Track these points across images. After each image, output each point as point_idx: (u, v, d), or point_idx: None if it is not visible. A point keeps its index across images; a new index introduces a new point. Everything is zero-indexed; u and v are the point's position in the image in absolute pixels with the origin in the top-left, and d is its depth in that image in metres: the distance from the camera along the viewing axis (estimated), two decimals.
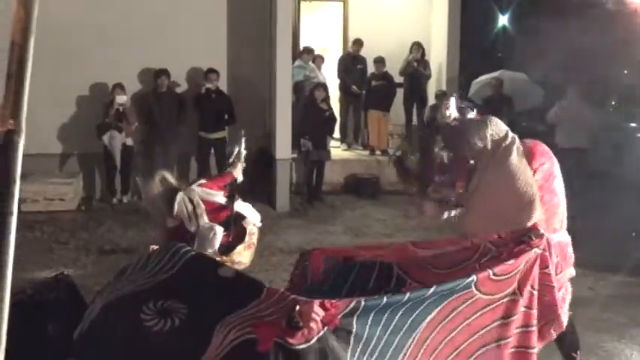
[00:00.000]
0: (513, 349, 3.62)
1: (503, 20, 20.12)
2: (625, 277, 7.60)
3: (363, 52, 13.58)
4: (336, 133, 13.38)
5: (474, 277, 3.37)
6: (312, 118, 11.86)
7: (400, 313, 3.13)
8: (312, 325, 2.81)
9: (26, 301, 3.21)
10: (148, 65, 11.73)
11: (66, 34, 10.72)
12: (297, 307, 2.84)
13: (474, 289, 3.37)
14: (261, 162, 11.79)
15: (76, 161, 11.82)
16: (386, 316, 3.07)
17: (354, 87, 13.43)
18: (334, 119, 12.53)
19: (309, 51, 13.29)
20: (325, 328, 2.85)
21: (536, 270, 3.68)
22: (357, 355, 2.95)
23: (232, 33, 12.16)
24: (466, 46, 14.04)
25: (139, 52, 11.57)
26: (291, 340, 2.77)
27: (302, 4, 14.17)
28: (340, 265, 3.97)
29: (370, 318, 3.02)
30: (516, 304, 3.58)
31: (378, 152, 13.24)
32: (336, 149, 13.23)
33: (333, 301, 2.95)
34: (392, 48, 13.56)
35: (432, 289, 3.22)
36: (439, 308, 3.26)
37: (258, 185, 11.41)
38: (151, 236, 9.37)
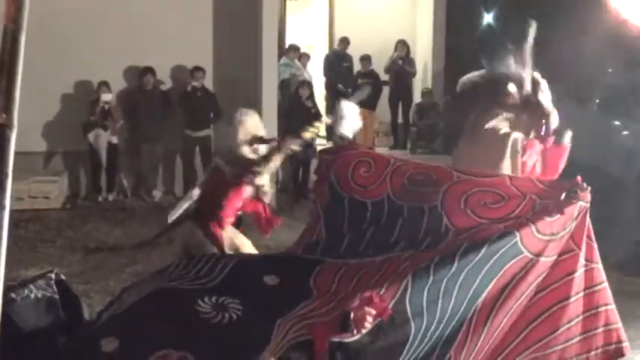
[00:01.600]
0: (581, 316, 3.43)
1: (488, 18, 20.20)
2: (612, 273, 7.57)
3: (348, 50, 13.59)
4: (322, 131, 13.37)
5: (517, 235, 3.21)
6: (297, 116, 11.85)
7: (457, 285, 3.05)
8: (367, 325, 2.83)
9: (17, 300, 3.17)
10: (133, 63, 11.68)
11: (51, 32, 10.64)
12: (352, 315, 2.83)
13: (522, 248, 3.21)
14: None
15: (61, 159, 11.75)
16: (441, 291, 3.01)
17: (339, 86, 13.43)
18: (319, 117, 12.52)
19: (294, 49, 13.29)
20: (379, 320, 2.85)
21: (588, 222, 3.48)
22: (420, 334, 2.92)
23: (218, 31, 12.13)
24: (451, 44, 14.07)
25: (124, 50, 11.51)
26: (347, 338, 2.81)
27: (288, 2, 14.15)
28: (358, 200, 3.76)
29: (424, 297, 2.97)
30: (576, 259, 3.38)
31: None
32: (322, 147, 13.21)
33: (380, 294, 2.91)
34: (377, 46, 13.57)
35: (481, 253, 3.11)
36: (497, 277, 3.14)
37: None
38: (136, 234, 9.37)
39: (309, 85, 12.38)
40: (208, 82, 11.92)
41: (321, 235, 3.78)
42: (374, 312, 2.85)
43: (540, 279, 3.27)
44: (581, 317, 3.41)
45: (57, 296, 3.29)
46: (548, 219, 3.31)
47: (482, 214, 3.42)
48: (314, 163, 11.94)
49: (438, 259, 3.11)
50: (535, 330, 3.30)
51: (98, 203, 11.25)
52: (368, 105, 13.36)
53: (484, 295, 3.11)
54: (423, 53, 14.10)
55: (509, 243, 3.17)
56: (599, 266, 3.52)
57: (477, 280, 3.09)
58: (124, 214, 10.42)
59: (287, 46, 13.43)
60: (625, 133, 11.80)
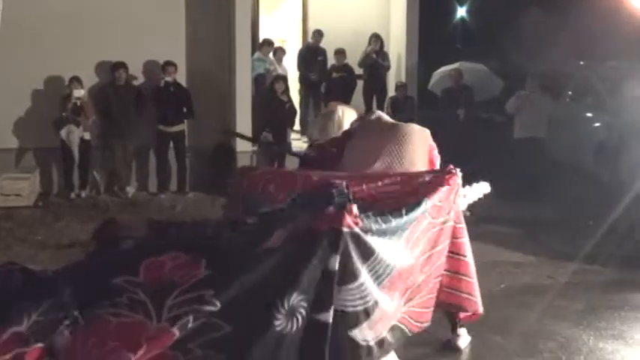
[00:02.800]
0: (447, 273, 4.57)
1: (461, 12, 20.29)
2: (583, 265, 7.71)
3: (322, 44, 13.56)
4: (297, 126, 13.37)
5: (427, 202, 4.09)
6: (272, 111, 11.84)
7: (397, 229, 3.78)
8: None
9: None
10: (105, 58, 11.56)
11: (21, 26, 10.52)
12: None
13: (427, 213, 4.10)
14: (222, 155, 11.75)
15: (33, 156, 11.62)
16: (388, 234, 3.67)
17: (311, 75, 13.42)
18: (294, 111, 12.52)
19: (269, 43, 13.24)
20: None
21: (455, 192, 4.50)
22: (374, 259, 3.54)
23: (191, 25, 12.05)
24: (425, 37, 14.10)
25: (96, 44, 11.41)
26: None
27: None
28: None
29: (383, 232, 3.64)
30: (445, 231, 4.39)
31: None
32: (297, 141, 13.20)
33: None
34: (351, 40, 13.56)
35: (422, 207, 4.00)
36: (411, 227, 3.90)
37: (218, 178, 11.36)
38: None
39: (284, 79, 12.36)
40: (181, 77, 11.85)
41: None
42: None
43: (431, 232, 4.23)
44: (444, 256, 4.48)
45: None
46: (440, 190, 4.28)
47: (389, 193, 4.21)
48: (289, 158, 11.97)
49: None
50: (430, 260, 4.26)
51: (71, 200, 11.15)
52: (343, 98, 13.37)
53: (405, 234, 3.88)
54: (397, 47, 14.11)
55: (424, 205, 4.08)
56: (462, 226, 4.66)
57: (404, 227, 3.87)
58: (96, 211, 10.32)
59: (261, 41, 13.38)
60: (597, 125, 11.90)
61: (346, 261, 3.29)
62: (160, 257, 3.09)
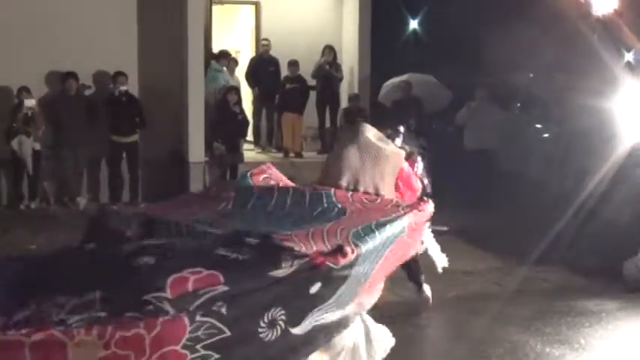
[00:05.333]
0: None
1: (413, 24, 20.50)
2: (530, 272, 7.87)
3: (275, 55, 13.61)
4: (249, 136, 13.38)
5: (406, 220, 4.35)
6: (225, 122, 11.84)
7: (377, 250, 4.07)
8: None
9: None
10: (54, 68, 11.47)
11: None
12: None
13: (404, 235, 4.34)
14: (174, 165, 11.72)
15: None
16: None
17: (255, 90, 13.51)
18: (247, 122, 12.56)
19: (225, 55, 13.25)
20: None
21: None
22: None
23: (143, 35, 12.02)
24: (377, 49, 14.23)
25: (45, 53, 11.30)
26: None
27: (214, 6, 14.09)
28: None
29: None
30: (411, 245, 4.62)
31: (292, 154, 13.28)
32: (250, 152, 13.22)
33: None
34: (304, 51, 13.63)
35: (399, 225, 4.24)
36: (390, 248, 4.18)
37: (171, 188, 11.31)
38: (60, 242, 9.17)
39: (236, 90, 12.37)
40: (134, 87, 11.79)
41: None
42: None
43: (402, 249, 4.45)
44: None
45: None
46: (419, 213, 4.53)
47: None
48: (242, 168, 11.98)
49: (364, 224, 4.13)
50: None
51: (20, 211, 11.02)
52: (296, 109, 13.44)
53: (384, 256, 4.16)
54: (349, 58, 14.23)
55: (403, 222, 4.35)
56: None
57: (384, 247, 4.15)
58: (47, 222, 10.20)
59: (217, 52, 13.36)
60: (545, 135, 12.14)
61: (327, 285, 3.76)
62: (182, 273, 3.40)
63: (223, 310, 3.40)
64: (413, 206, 4.59)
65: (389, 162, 4.97)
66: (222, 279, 3.45)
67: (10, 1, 11.26)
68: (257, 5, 14.61)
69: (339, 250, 3.80)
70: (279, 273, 3.58)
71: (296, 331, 3.68)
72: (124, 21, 11.86)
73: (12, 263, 3.76)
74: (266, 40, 13.71)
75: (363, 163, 4.88)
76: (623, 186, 9.29)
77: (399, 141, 5.79)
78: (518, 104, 13.37)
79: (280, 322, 3.59)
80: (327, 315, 3.84)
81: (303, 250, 3.73)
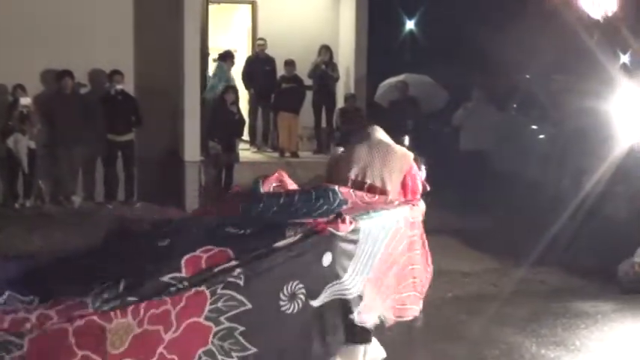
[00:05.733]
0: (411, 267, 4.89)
1: (410, 25, 20.51)
2: (527, 273, 7.87)
3: (271, 54, 13.58)
4: (245, 135, 13.36)
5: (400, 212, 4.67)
6: (221, 121, 11.81)
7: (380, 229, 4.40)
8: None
9: None
10: (50, 66, 11.42)
11: None
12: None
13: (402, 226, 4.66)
14: (170, 164, 11.69)
15: None
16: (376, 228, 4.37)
17: (251, 90, 13.53)
18: (243, 122, 12.53)
19: (231, 56, 13.28)
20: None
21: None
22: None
23: (139, 34, 11.97)
24: (374, 49, 14.22)
25: (40, 51, 11.23)
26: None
27: (210, 6, 14.06)
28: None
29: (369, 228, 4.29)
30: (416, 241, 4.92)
31: (287, 154, 13.26)
32: (245, 151, 13.18)
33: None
34: (300, 50, 13.59)
35: (394, 214, 4.59)
36: (392, 232, 4.50)
37: (167, 187, 11.29)
38: (55, 241, 9.15)
39: (234, 90, 12.33)
40: (130, 85, 11.75)
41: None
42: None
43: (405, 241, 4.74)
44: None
45: None
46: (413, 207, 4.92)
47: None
48: (237, 168, 11.97)
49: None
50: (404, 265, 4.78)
51: (15, 210, 10.97)
52: (292, 109, 13.41)
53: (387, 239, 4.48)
54: (346, 58, 14.20)
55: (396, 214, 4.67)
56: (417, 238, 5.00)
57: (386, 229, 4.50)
58: (42, 221, 10.16)
59: (224, 52, 13.39)
60: (541, 136, 12.14)
61: (337, 258, 4.04)
62: (195, 252, 3.68)
63: (241, 283, 3.65)
64: (407, 201, 4.99)
65: (398, 160, 5.18)
66: (232, 254, 3.71)
67: (6, 1, 11.19)
68: (253, 4, 14.57)
69: (338, 217, 4.09)
70: (286, 242, 3.85)
71: (315, 303, 3.93)
72: (120, 19, 11.81)
73: (39, 260, 4.07)
74: (261, 39, 13.68)
75: (373, 158, 5.13)
76: (621, 186, 9.32)
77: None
78: (515, 105, 13.38)
79: (300, 296, 3.84)
80: (352, 289, 4.13)
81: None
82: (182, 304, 3.51)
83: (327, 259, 3.98)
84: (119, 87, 11.44)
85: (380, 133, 5.38)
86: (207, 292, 3.58)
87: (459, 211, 10.37)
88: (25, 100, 10.88)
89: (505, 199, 10.63)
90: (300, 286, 3.84)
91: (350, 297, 4.14)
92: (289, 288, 3.80)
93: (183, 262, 3.63)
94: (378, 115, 13.76)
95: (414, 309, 4.94)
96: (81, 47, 11.41)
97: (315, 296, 3.93)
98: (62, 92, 11.32)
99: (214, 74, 13.13)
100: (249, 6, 14.67)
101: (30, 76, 11.26)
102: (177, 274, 3.59)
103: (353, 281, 4.17)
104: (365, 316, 4.30)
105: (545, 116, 12.23)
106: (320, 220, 4.14)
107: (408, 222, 4.78)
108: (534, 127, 12.43)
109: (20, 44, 11.12)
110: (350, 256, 4.14)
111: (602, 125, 9.98)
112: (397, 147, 5.30)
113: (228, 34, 15.68)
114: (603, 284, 7.57)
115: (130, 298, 3.44)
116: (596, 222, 8.72)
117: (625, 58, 13.23)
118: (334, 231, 4.02)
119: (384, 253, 4.45)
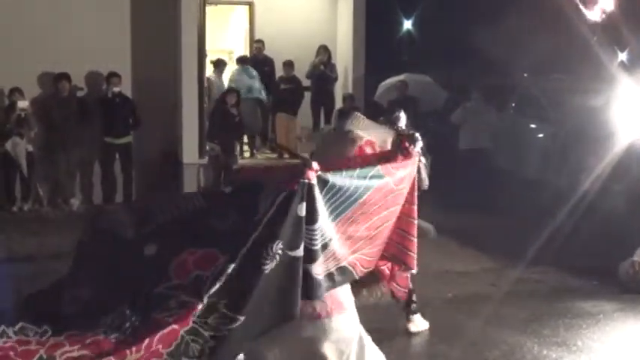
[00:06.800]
0: (399, 231, 4.65)
1: (407, 25, 20.49)
2: (526, 273, 7.83)
3: (269, 55, 13.56)
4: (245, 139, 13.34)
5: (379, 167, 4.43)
6: (221, 123, 11.77)
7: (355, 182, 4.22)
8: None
9: None
10: (46, 69, 11.39)
11: None
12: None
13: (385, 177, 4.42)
14: (168, 166, 11.66)
15: None
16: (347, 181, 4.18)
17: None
18: (243, 124, 12.49)
19: (246, 60, 13.35)
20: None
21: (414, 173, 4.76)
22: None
23: (136, 36, 11.95)
24: (372, 49, 14.20)
25: (37, 54, 11.21)
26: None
27: (207, 7, 14.03)
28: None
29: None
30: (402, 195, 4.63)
31: (286, 155, 13.23)
32: (244, 152, 13.16)
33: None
34: (298, 51, 13.57)
35: (376, 167, 4.36)
36: (371, 190, 4.30)
37: (165, 189, 11.26)
38: (53, 244, 9.12)
39: (236, 92, 12.28)
40: (127, 88, 11.73)
41: None
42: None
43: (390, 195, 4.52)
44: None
45: None
46: (399, 161, 4.62)
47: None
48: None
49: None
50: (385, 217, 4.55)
51: (13, 213, 10.94)
52: (290, 110, 13.39)
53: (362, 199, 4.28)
54: (344, 58, 14.18)
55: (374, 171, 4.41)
56: (416, 193, 4.75)
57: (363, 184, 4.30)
58: (39, 224, 10.13)
59: (242, 57, 13.51)
60: (540, 135, 12.11)
61: (310, 205, 3.97)
62: (180, 256, 3.74)
63: (229, 267, 3.68)
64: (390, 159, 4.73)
65: (350, 143, 4.91)
66: (218, 254, 3.74)
67: (2, 3, 11.16)
68: (251, 6, 14.54)
69: (304, 165, 4.03)
70: (259, 215, 3.84)
71: (296, 253, 3.89)
72: (117, 22, 11.79)
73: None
74: (259, 41, 13.65)
75: (331, 142, 5.13)
76: (620, 184, 9.29)
77: (402, 122, 5.59)
78: (514, 104, 13.36)
79: (279, 251, 3.83)
80: (319, 239, 4.04)
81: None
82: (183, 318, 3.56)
83: (302, 209, 3.94)
84: (116, 89, 11.42)
85: (354, 120, 5.13)
86: (205, 299, 3.61)
87: (456, 210, 10.33)
88: (23, 104, 10.85)
89: (503, 199, 10.60)
90: (280, 244, 3.83)
91: (314, 248, 4.07)
92: (271, 250, 3.81)
93: (172, 270, 3.72)
94: (376, 115, 13.73)
95: (375, 261, 4.75)
96: (78, 50, 11.38)
97: (294, 247, 3.91)
98: (59, 95, 11.29)
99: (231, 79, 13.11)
100: (247, 7, 14.65)
101: (27, 79, 11.23)
102: (168, 283, 3.68)
103: (324, 228, 4.11)
104: (323, 265, 4.20)
105: (543, 115, 12.20)
106: (288, 179, 4.04)
107: (399, 178, 4.60)
108: (533, 125, 12.41)
109: (17, 47, 11.10)
110: (322, 203, 4.10)
111: (601, 124, 9.96)
112: (357, 131, 5.00)
113: (226, 35, 15.66)
114: (604, 284, 7.53)
115: (135, 318, 3.55)
116: (596, 220, 8.67)
117: (623, 56, 13.23)
118: (304, 180, 3.95)
119: (362, 204, 4.35)
